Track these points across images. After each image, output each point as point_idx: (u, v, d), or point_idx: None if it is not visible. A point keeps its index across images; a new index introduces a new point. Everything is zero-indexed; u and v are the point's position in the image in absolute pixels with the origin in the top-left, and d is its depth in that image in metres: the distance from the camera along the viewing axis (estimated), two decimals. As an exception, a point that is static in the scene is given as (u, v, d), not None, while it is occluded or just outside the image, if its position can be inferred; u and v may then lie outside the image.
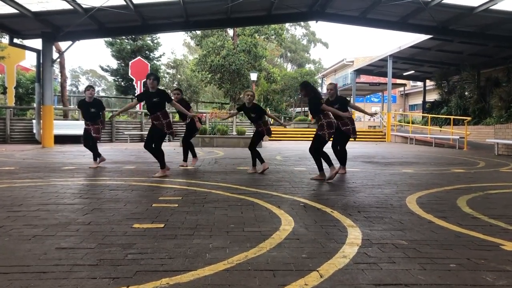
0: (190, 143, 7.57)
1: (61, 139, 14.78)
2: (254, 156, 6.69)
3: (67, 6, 11.07)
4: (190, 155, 7.61)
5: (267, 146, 14.87)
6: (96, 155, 7.27)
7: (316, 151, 5.74)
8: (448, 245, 2.67)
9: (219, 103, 30.50)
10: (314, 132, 5.90)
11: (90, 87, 7.23)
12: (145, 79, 6.81)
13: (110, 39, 25.03)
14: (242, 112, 6.86)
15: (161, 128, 5.94)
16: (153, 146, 6.06)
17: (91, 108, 7.13)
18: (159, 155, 6.06)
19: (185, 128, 7.63)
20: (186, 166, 7.37)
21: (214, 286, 1.97)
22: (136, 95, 6.45)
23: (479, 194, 4.67)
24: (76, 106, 7.17)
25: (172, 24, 13.42)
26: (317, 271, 2.17)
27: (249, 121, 7.05)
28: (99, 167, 7.14)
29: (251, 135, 7.05)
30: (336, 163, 7.02)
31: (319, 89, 37.40)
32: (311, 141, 5.86)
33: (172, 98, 6.36)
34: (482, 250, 2.59)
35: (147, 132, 6.33)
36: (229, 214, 3.51)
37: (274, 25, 26.01)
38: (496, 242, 2.75)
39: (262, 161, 6.65)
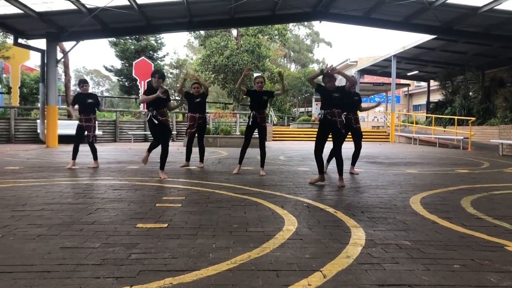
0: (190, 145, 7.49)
1: (65, 139, 14.83)
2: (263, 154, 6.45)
3: (71, 6, 11.11)
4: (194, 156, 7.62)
5: (271, 146, 14.86)
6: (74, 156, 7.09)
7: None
8: (452, 246, 2.66)
9: (223, 103, 30.53)
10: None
11: (82, 82, 7.22)
12: (149, 79, 6.83)
13: (114, 39, 25.16)
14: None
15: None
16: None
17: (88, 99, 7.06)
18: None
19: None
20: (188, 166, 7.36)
21: (217, 286, 1.97)
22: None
23: (484, 195, 4.64)
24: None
25: (176, 24, 13.44)
26: (321, 271, 2.17)
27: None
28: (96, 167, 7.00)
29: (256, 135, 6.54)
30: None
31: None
32: (335, 141, 5.34)
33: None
34: (486, 251, 2.57)
35: (149, 132, 6.36)
36: (232, 214, 3.52)
37: (277, 25, 26.01)
38: (500, 243, 2.74)
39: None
